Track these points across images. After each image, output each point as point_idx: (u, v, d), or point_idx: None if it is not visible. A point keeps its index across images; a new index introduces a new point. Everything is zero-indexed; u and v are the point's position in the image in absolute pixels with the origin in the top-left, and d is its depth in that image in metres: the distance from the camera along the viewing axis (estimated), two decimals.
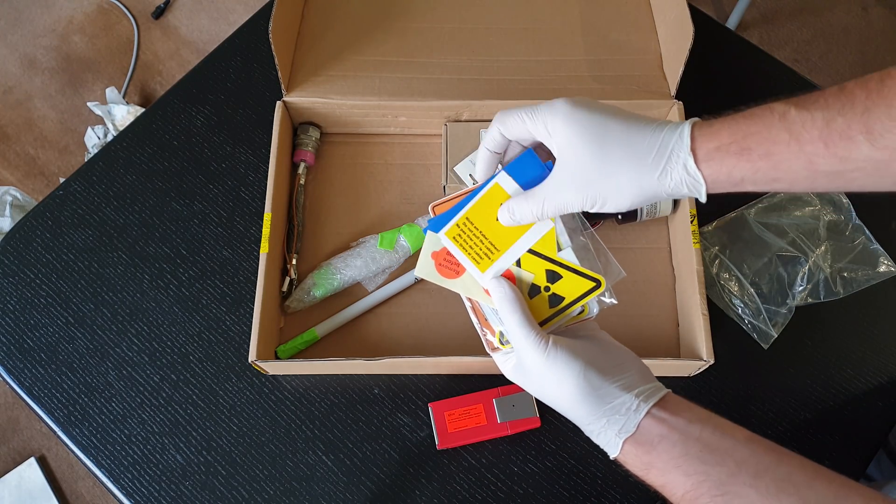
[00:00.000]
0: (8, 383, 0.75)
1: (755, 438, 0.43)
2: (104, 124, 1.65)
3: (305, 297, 0.74)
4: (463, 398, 0.71)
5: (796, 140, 0.41)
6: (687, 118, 0.74)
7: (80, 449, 0.72)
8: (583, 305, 0.49)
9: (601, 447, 0.46)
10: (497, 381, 0.71)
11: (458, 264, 0.51)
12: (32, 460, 1.43)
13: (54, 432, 0.73)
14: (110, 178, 0.84)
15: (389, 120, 0.82)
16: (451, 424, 0.70)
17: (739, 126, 0.43)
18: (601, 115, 0.45)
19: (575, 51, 0.83)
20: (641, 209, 0.74)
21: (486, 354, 0.52)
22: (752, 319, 0.74)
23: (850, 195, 0.79)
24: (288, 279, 0.75)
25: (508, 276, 0.50)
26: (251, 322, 0.70)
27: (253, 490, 0.69)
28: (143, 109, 1.59)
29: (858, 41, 1.81)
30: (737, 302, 0.75)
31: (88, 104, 1.67)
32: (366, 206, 0.81)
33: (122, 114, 1.62)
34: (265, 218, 0.73)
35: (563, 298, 0.49)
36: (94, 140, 1.64)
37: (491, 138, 0.50)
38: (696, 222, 0.71)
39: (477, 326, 0.52)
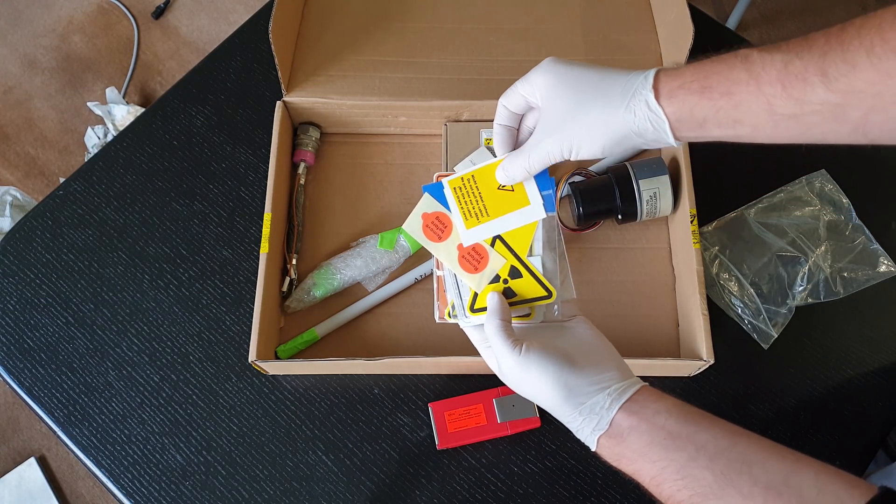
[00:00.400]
0: (8, 383, 0.75)
1: (718, 423, 0.45)
2: (104, 124, 1.65)
3: (305, 297, 0.74)
4: (463, 398, 0.71)
5: (755, 80, 0.42)
6: None
7: (80, 449, 0.72)
8: (530, 308, 0.54)
9: (582, 441, 0.48)
10: (497, 381, 0.71)
11: (444, 230, 0.54)
12: (32, 460, 1.43)
13: (54, 432, 0.73)
14: (110, 178, 0.84)
15: (389, 120, 0.82)
16: (451, 424, 0.70)
17: (703, 66, 0.44)
18: (580, 67, 0.49)
19: (575, 51, 0.83)
20: (641, 209, 0.74)
21: None
22: (752, 319, 0.74)
23: (849, 195, 0.79)
24: (288, 279, 0.75)
25: (481, 249, 0.54)
26: (251, 322, 0.70)
27: (253, 490, 0.69)
28: (143, 109, 1.59)
29: None
30: (737, 302, 0.75)
31: (88, 104, 1.67)
32: (366, 206, 0.81)
33: (122, 114, 1.62)
34: (265, 218, 0.73)
35: (515, 294, 0.54)
36: (94, 140, 1.64)
37: (498, 113, 0.54)
38: (696, 222, 0.71)
39: (435, 295, 0.56)
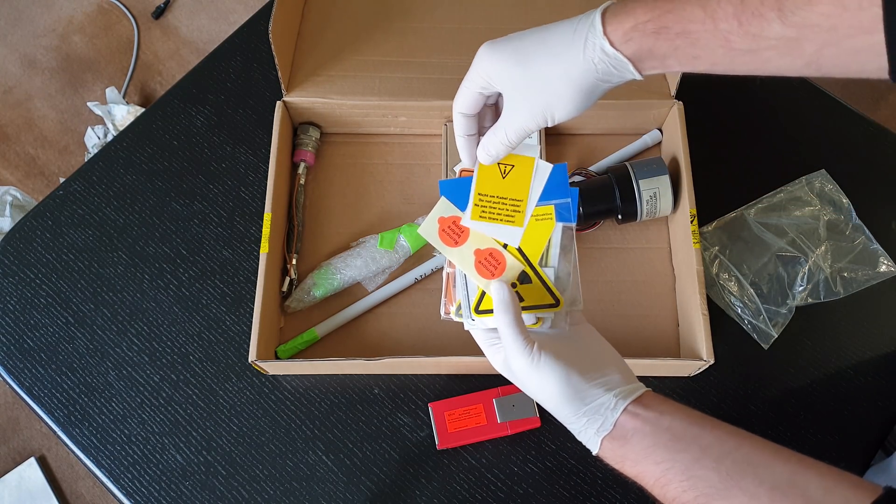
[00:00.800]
0: (8, 383, 0.75)
1: (721, 426, 0.45)
2: (104, 124, 1.65)
3: (305, 297, 0.74)
4: (463, 398, 0.71)
5: (711, 18, 0.42)
6: (687, 118, 0.74)
7: (80, 449, 0.72)
8: (536, 317, 0.53)
9: (584, 444, 0.48)
10: (497, 381, 0.71)
11: (460, 234, 0.53)
12: (32, 460, 1.43)
13: (54, 432, 0.73)
14: (110, 178, 0.84)
15: (389, 120, 0.82)
16: (451, 424, 0.70)
17: (657, 3, 0.44)
18: (518, 38, 0.48)
19: None
20: (641, 209, 0.74)
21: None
22: (752, 319, 0.74)
23: (849, 195, 0.79)
24: (288, 279, 0.75)
25: (498, 255, 0.53)
26: (251, 322, 0.70)
27: (253, 490, 0.69)
28: (143, 109, 1.59)
29: None
30: (736, 302, 0.75)
31: (88, 104, 1.67)
32: (366, 206, 0.81)
33: (122, 114, 1.62)
34: (265, 218, 0.73)
35: (522, 300, 0.53)
36: (94, 140, 1.64)
37: (456, 123, 0.53)
38: (696, 222, 0.71)
39: (443, 291, 0.55)
